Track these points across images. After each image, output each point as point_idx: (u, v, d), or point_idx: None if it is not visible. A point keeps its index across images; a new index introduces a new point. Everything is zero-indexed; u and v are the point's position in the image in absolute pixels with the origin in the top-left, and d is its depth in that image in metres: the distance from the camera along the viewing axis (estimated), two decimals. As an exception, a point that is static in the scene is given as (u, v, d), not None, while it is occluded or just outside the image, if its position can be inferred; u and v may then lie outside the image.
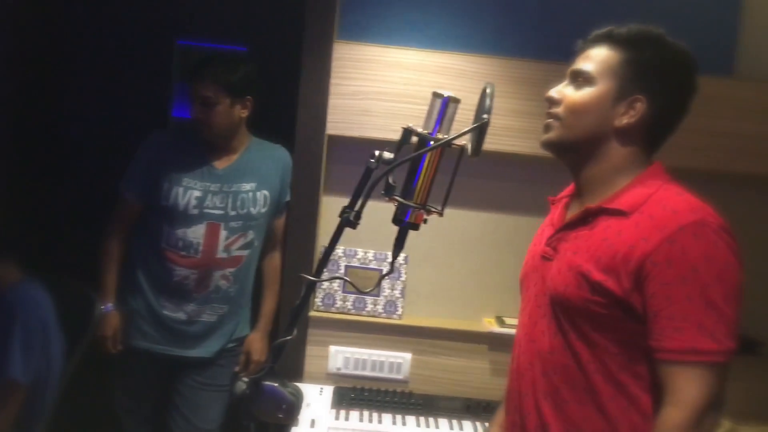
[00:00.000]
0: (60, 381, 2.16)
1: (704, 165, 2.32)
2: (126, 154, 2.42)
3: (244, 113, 2.35)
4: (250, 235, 2.38)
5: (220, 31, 3.41)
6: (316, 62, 2.34)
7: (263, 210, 2.39)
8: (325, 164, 2.42)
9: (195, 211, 2.29)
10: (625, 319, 1.22)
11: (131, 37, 3.59)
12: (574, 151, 1.35)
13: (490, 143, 2.29)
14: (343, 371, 2.44)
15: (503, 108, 2.31)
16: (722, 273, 1.18)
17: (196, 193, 2.30)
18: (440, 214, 1.33)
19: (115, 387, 2.46)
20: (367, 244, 2.47)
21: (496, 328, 2.40)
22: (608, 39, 1.32)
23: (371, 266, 2.48)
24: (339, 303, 2.46)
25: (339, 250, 2.48)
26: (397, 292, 2.47)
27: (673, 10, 2.39)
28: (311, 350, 2.46)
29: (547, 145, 1.35)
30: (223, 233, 2.32)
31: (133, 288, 2.38)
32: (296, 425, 2.08)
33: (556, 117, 1.34)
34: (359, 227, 2.33)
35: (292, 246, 2.43)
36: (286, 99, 2.47)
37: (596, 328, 1.24)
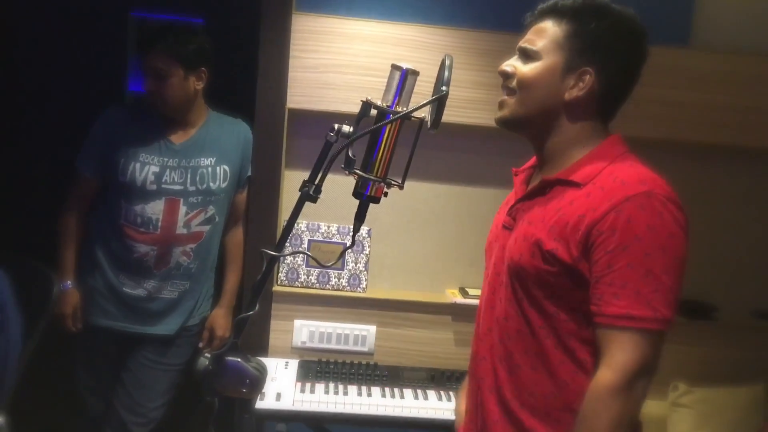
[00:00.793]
0: (19, 361, 2.12)
1: (661, 134, 2.36)
2: (82, 129, 2.37)
3: (199, 85, 2.31)
4: (211, 210, 2.35)
5: (176, 2, 3.32)
6: (275, 34, 2.30)
7: (223, 185, 2.36)
8: (287, 138, 2.40)
9: (153, 187, 2.26)
10: (575, 287, 1.25)
11: (85, 9, 3.48)
12: (527, 126, 1.36)
13: (451, 116, 2.31)
14: (308, 345, 2.45)
15: (463, 80, 2.31)
16: (665, 244, 1.19)
17: (154, 169, 2.26)
18: (401, 187, 1.33)
19: (75, 365, 2.43)
20: (330, 218, 2.47)
21: (460, 299, 2.43)
22: (553, 12, 1.32)
23: (335, 240, 2.47)
24: (303, 277, 2.46)
25: (302, 224, 2.47)
26: (361, 266, 2.48)
27: (630, -19, 2.40)
28: (276, 325, 2.46)
29: (501, 122, 1.36)
30: (182, 209, 2.29)
31: (92, 265, 2.34)
32: (262, 399, 2.09)
33: (511, 92, 1.34)
34: (322, 201, 2.32)
35: (254, 221, 2.42)
36: (246, 72, 2.44)
37: (548, 295, 1.28)
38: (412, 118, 1.29)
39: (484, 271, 1.47)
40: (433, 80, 1.30)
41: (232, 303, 2.48)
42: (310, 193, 1.28)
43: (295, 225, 2.45)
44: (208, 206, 2.34)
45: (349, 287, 2.47)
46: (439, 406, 2.19)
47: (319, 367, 2.32)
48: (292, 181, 2.42)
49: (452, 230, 2.53)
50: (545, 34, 1.32)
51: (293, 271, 2.46)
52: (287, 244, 2.46)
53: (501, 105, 1.36)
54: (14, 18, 3.46)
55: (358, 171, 1.28)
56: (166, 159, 2.28)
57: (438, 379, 2.32)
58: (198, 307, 2.44)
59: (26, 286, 2.13)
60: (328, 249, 2.47)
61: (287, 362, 2.36)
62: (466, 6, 2.39)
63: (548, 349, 1.29)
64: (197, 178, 2.31)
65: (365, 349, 2.47)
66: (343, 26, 2.32)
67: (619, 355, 1.19)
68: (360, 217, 1.33)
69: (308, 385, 2.22)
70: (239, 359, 1.31)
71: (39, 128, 3.53)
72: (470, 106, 2.33)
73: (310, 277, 2.46)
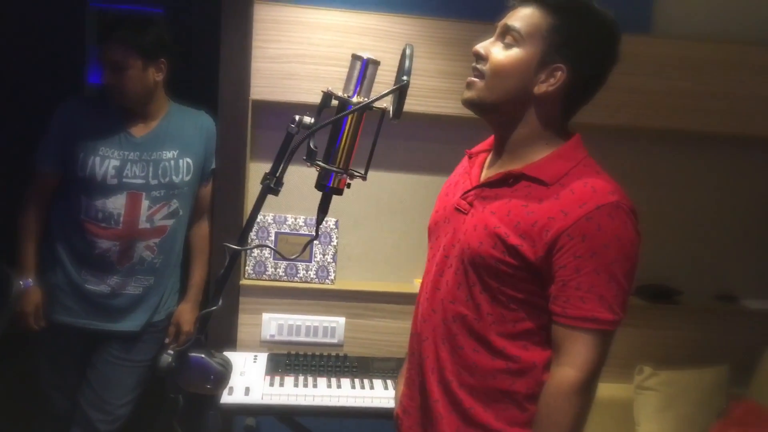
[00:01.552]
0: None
1: (623, 121, 2.38)
2: (40, 122, 2.31)
3: (159, 77, 2.26)
4: (174, 204, 2.31)
5: (136, -8, 3.27)
6: (237, 24, 2.27)
7: (187, 178, 2.32)
8: (251, 130, 2.37)
9: (114, 181, 2.21)
10: (528, 281, 1.29)
11: (44, 1, 3.40)
12: (493, 112, 1.35)
13: (417, 105, 2.31)
14: (277, 338, 2.44)
15: (428, 69, 2.31)
16: (628, 252, 1.25)
17: (114, 162, 2.21)
18: (363, 178, 1.32)
19: (39, 363, 2.38)
20: (297, 210, 2.45)
21: (428, 289, 2.43)
22: (539, 0, 1.30)
23: (302, 232, 2.46)
24: (270, 270, 2.44)
25: (269, 216, 2.45)
26: (328, 257, 2.46)
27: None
28: (244, 318, 2.45)
29: (467, 103, 1.34)
30: (145, 203, 2.25)
31: (54, 262, 2.29)
32: (230, 394, 2.07)
33: (480, 75, 1.32)
34: (289, 193, 2.33)
35: (219, 214, 2.39)
36: (208, 63, 2.40)
37: (502, 284, 1.30)
38: (374, 109, 1.28)
39: (429, 251, 1.48)
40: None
41: (199, 298, 2.45)
42: (271, 186, 1.26)
43: (262, 217, 2.44)
44: (171, 200, 2.30)
45: (317, 279, 2.46)
46: (408, 395, 2.19)
47: (288, 360, 2.31)
48: (257, 173, 2.40)
49: (419, 220, 2.51)
50: (531, 20, 1.29)
51: (260, 264, 2.44)
52: (254, 237, 2.45)
53: (469, 85, 1.34)
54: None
55: (320, 162, 1.27)
56: (126, 152, 2.24)
57: (407, 368, 2.32)
58: (164, 303, 2.40)
59: (-16, 285, 2.09)
60: (295, 241, 2.46)
61: (256, 356, 2.35)
62: (430, -6, 2.38)
63: (491, 335, 1.32)
64: (159, 172, 2.26)
65: (335, 340, 2.46)
66: (306, 15, 2.29)
67: (584, 355, 1.25)
68: (323, 209, 1.32)
69: (277, 379, 2.21)
70: (203, 355, 1.29)
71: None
72: (435, 95, 2.33)
73: (278, 269, 2.44)
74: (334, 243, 2.47)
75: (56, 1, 3.39)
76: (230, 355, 2.31)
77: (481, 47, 1.33)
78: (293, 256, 1.34)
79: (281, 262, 2.44)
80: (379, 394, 2.18)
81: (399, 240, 2.54)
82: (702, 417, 2.39)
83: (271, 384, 2.18)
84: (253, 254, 2.43)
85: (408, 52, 1.25)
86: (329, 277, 2.46)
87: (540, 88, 1.29)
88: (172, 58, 2.28)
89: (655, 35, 2.45)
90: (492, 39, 1.34)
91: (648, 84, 2.37)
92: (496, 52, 1.31)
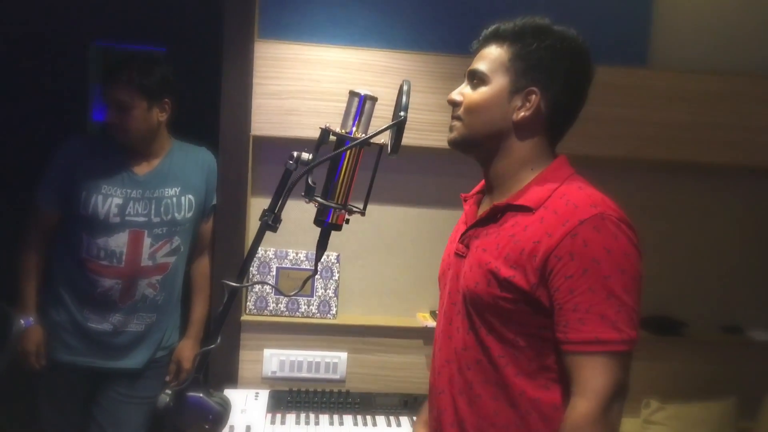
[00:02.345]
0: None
1: (620, 153, 2.40)
2: (43, 160, 2.32)
3: (163, 116, 2.28)
4: (176, 241, 2.31)
5: (138, 31, 3.31)
6: (238, 62, 2.30)
7: (188, 215, 2.33)
8: (252, 165, 2.38)
9: (116, 219, 2.21)
10: (532, 314, 1.24)
11: (47, 39, 3.45)
12: (477, 147, 1.37)
13: (419, 139, 2.33)
14: (279, 374, 2.41)
15: (429, 103, 2.33)
16: (622, 264, 1.18)
17: (117, 201, 2.22)
18: (362, 213, 1.32)
19: (39, 403, 2.36)
20: (298, 245, 2.45)
21: (431, 323, 2.42)
22: (496, 37, 1.34)
23: (303, 267, 2.45)
24: (272, 305, 2.43)
25: (270, 251, 2.44)
26: (330, 292, 2.45)
27: (587, 3, 2.45)
28: (245, 355, 2.43)
29: (451, 144, 1.38)
30: (147, 240, 2.25)
31: (55, 301, 2.28)
32: (231, 432, 2.04)
33: (458, 118, 1.36)
34: (290, 228, 2.33)
35: (220, 250, 2.39)
36: (209, 100, 2.42)
37: (505, 322, 1.26)
38: (372, 144, 1.29)
39: (439, 300, 1.46)
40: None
41: (200, 334, 2.43)
42: (269, 222, 1.26)
43: (263, 252, 2.44)
44: (173, 237, 2.30)
45: (318, 314, 2.45)
46: (412, 432, 2.16)
47: (290, 396, 2.29)
48: (258, 208, 2.36)
49: (421, 253, 2.52)
50: (490, 57, 1.34)
51: (262, 299, 2.43)
52: (255, 272, 2.44)
53: (450, 129, 1.39)
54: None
55: (318, 198, 1.27)
56: (129, 190, 2.24)
57: (411, 404, 2.30)
58: (166, 339, 2.39)
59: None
60: (297, 276, 2.45)
61: (257, 393, 2.33)
62: (429, 31, 2.41)
63: (508, 378, 1.27)
64: (162, 209, 2.27)
65: (337, 376, 2.44)
66: (306, 52, 2.32)
67: (592, 382, 1.17)
68: (322, 245, 1.31)
69: (278, 416, 2.19)
70: (201, 395, 1.27)
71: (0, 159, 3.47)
72: (436, 129, 2.34)
73: (279, 305, 2.43)
74: (336, 277, 2.46)
75: (59, 39, 3.43)
76: (231, 392, 2.31)
77: (453, 94, 1.38)
78: (292, 292, 1.34)
79: (283, 297, 2.43)
80: (382, 431, 2.15)
81: (401, 274, 2.53)
82: (711, 451, 2.35)
83: (272, 422, 2.15)
84: (254, 289, 2.42)
85: (405, 88, 1.26)
86: (331, 312, 2.45)
87: (518, 115, 1.31)
88: (176, 98, 2.30)
89: (651, 68, 2.47)
90: (464, 84, 1.38)
91: (645, 116, 2.38)
92: (468, 93, 1.36)
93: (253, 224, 2.41)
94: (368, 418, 2.23)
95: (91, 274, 2.23)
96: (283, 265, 2.45)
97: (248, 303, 2.43)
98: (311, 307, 2.44)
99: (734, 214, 2.62)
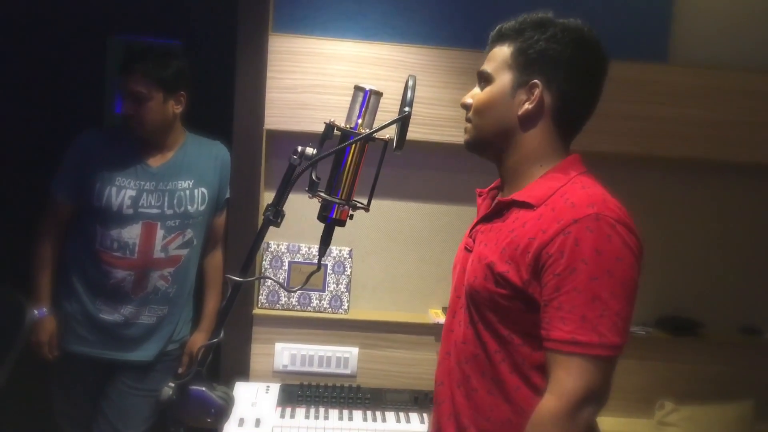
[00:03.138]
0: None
1: (639, 149, 2.36)
2: (59, 153, 2.34)
3: (178, 109, 2.29)
4: (189, 233, 2.32)
5: (155, 25, 3.32)
6: (252, 56, 2.30)
7: (201, 208, 2.34)
8: (265, 159, 2.39)
9: (130, 211, 2.23)
10: (527, 311, 1.22)
11: (64, 32, 3.47)
12: (488, 147, 1.36)
13: (431, 134, 2.31)
14: (290, 368, 2.42)
15: (443, 98, 2.31)
16: (612, 267, 1.15)
17: (130, 193, 2.24)
18: (366, 209, 1.31)
19: (52, 392, 2.39)
20: (311, 239, 2.45)
21: (442, 319, 2.40)
22: (500, 36, 1.35)
23: (315, 261, 2.42)
24: (284, 299, 2.43)
25: (282, 245, 2.45)
26: (342, 287, 2.45)
27: (608, -1, 2.41)
28: (257, 348, 2.43)
29: (466, 146, 1.39)
30: (160, 232, 2.26)
31: (68, 291, 2.31)
32: (241, 425, 2.05)
33: (468, 120, 1.37)
34: (303, 222, 2.32)
35: (233, 244, 2.39)
36: (223, 94, 2.42)
37: (501, 319, 1.26)
38: (377, 139, 1.28)
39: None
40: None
41: (212, 327, 2.44)
42: (270, 217, 1.25)
43: (276, 246, 2.44)
44: (186, 229, 2.32)
45: (330, 309, 2.44)
46: (421, 428, 2.15)
47: (301, 390, 2.29)
48: (271, 202, 2.40)
49: (434, 249, 2.51)
50: (495, 57, 1.34)
51: (273, 293, 2.43)
52: (267, 266, 2.44)
53: (464, 131, 1.40)
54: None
55: (322, 193, 1.27)
56: (142, 182, 2.26)
57: (421, 401, 2.29)
58: (177, 332, 2.40)
59: (-2, 314, 2.11)
60: (308, 270, 2.42)
61: (268, 386, 2.33)
62: (443, 25, 2.39)
63: (504, 374, 1.26)
64: (175, 202, 2.28)
65: (348, 371, 2.43)
66: (320, 46, 2.31)
67: (564, 382, 1.16)
68: (325, 241, 1.31)
69: (288, 410, 2.19)
70: (204, 388, 1.27)
71: (17, 152, 3.50)
72: (449, 124, 2.32)
73: (291, 299, 2.44)
74: (348, 272, 2.45)
75: (78, 34, 3.45)
76: (243, 385, 2.32)
77: (467, 98, 1.39)
78: (296, 288, 1.34)
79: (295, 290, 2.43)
80: (392, 427, 2.15)
81: (413, 269, 2.52)
82: (726, 454, 2.31)
83: (282, 416, 2.16)
84: (266, 283, 2.42)
85: (410, 83, 1.26)
86: (343, 307, 2.45)
87: (521, 108, 1.30)
88: (192, 91, 2.31)
89: (671, 64, 2.43)
90: (475, 88, 1.39)
91: (665, 112, 2.34)
92: (476, 94, 1.37)
93: (266, 218, 2.41)
94: (378, 413, 2.22)
95: (104, 265, 2.25)
96: (296, 259, 2.45)
97: (260, 297, 2.44)
98: (323, 301, 2.44)
99: (753, 213, 2.57)
